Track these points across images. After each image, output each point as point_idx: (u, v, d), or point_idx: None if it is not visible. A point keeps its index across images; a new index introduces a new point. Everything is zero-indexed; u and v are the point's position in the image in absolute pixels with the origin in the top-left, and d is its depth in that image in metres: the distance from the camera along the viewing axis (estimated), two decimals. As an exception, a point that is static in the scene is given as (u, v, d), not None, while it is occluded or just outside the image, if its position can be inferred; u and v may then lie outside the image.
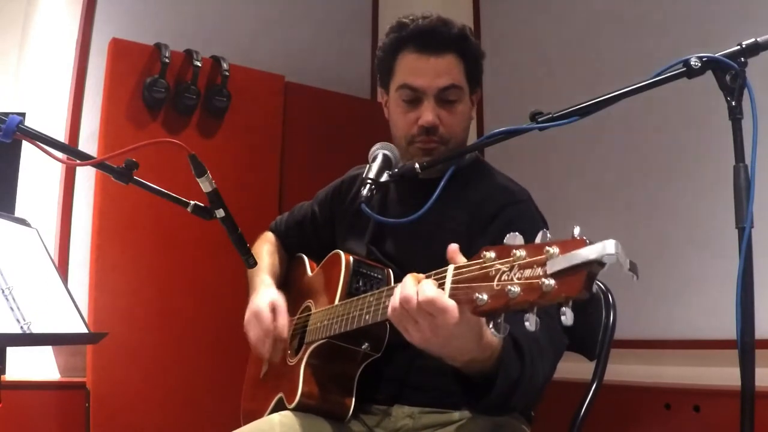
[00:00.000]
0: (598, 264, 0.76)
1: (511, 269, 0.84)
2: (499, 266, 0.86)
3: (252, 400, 1.61)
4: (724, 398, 2.08)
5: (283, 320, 1.44)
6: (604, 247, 0.75)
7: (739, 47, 1.13)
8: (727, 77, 1.12)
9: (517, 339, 1.06)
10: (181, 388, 2.58)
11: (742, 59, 1.12)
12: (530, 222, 1.36)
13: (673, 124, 2.48)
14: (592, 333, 1.46)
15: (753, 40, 1.13)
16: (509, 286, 0.82)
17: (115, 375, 2.46)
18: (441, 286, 0.95)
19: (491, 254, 0.87)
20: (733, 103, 1.11)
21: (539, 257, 0.81)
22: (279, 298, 1.48)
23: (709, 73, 1.14)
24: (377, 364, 1.35)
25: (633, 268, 0.78)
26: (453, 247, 0.99)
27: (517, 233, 0.87)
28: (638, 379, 2.41)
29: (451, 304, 0.92)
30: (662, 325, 2.39)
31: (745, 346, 1.05)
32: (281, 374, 1.46)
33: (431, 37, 1.39)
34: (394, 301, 0.99)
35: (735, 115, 1.10)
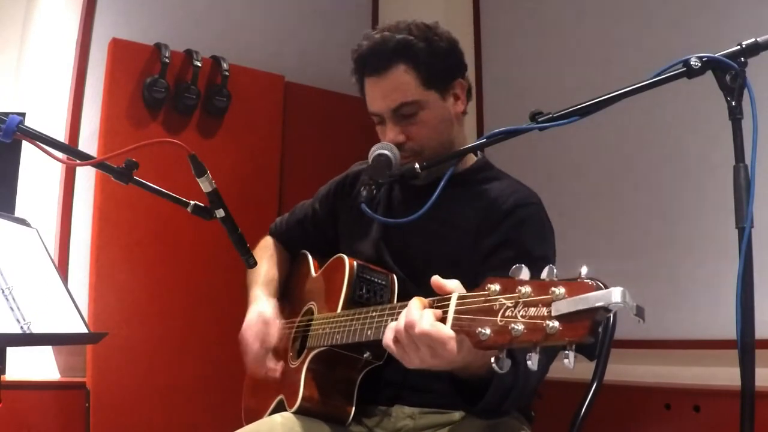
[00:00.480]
0: (604, 310, 0.76)
1: (515, 305, 0.84)
2: (503, 300, 0.85)
3: (253, 397, 1.61)
4: (724, 398, 2.08)
5: (273, 330, 1.45)
6: (611, 295, 0.75)
7: (739, 47, 1.13)
8: (727, 77, 1.12)
9: None
10: (181, 387, 2.58)
11: (742, 59, 1.12)
12: (539, 226, 1.36)
13: (673, 124, 2.47)
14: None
15: (753, 40, 1.13)
16: (513, 324, 0.82)
17: (115, 375, 2.46)
18: (445, 314, 0.95)
19: (496, 287, 0.87)
20: (733, 103, 1.11)
21: (545, 297, 0.81)
22: (268, 308, 1.49)
23: (709, 73, 1.14)
24: (378, 366, 1.35)
25: (639, 312, 0.78)
26: (435, 281, 1.01)
27: (523, 266, 0.86)
28: (638, 379, 2.40)
29: (451, 336, 0.93)
30: (662, 325, 2.38)
31: (745, 346, 1.05)
32: (283, 376, 1.46)
33: (372, 57, 1.39)
34: (399, 325, 1.00)
35: (735, 115, 1.10)
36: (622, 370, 2.36)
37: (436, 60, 1.39)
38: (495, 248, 1.31)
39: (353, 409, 1.33)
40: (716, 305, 2.18)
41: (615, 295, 0.75)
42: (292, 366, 1.44)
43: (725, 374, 2.10)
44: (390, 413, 1.36)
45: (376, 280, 1.38)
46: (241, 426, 1.39)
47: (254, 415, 1.50)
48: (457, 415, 1.33)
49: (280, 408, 1.40)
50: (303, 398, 1.31)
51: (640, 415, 2.35)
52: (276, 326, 1.46)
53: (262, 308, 1.50)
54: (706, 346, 2.26)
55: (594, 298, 0.76)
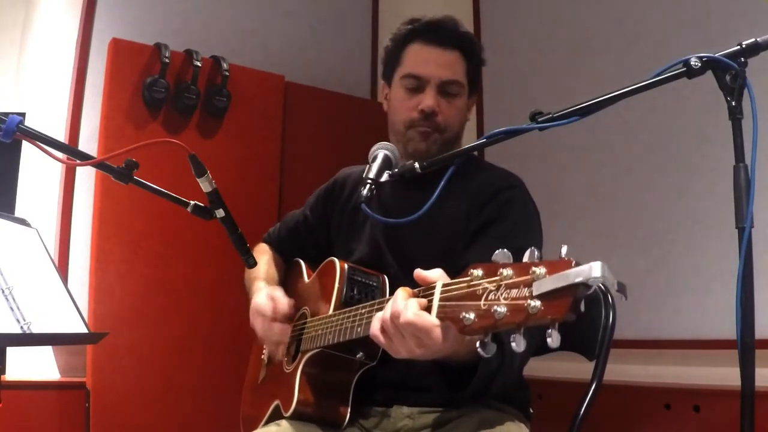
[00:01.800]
0: (584, 286, 0.75)
1: (497, 288, 0.84)
2: (486, 285, 0.85)
3: (250, 405, 1.61)
4: (724, 398, 2.08)
5: (283, 302, 1.45)
6: (591, 270, 0.75)
7: (739, 47, 1.13)
8: (727, 77, 1.12)
9: None
10: (181, 388, 2.58)
11: (742, 59, 1.12)
12: (523, 206, 1.41)
13: (673, 124, 2.47)
14: (592, 333, 1.46)
15: (753, 40, 1.13)
16: (496, 306, 0.82)
17: (115, 375, 2.46)
18: (430, 303, 0.96)
19: (479, 272, 0.87)
20: (733, 103, 1.11)
21: (525, 278, 0.80)
22: (276, 290, 1.50)
23: (709, 73, 1.14)
24: (375, 368, 1.35)
25: (621, 288, 0.78)
26: (417, 273, 1.02)
27: (505, 250, 0.86)
28: (638, 379, 2.40)
29: (435, 324, 0.94)
30: (662, 325, 2.38)
31: (745, 346, 1.05)
32: (278, 381, 1.46)
33: (441, 31, 1.46)
34: (385, 315, 1.01)
35: (735, 115, 1.10)
36: (622, 370, 2.36)
37: (479, 65, 1.53)
38: (479, 230, 1.35)
39: (348, 409, 1.33)
40: (716, 305, 2.18)
41: (594, 269, 0.74)
42: (287, 370, 1.44)
43: (725, 374, 2.10)
44: (389, 414, 1.36)
45: (367, 281, 1.39)
46: (239, 427, 1.39)
47: (252, 422, 1.50)
48: (455, 413, 1.33)
49: (276, 413, 1.40)
50: (298, 402, 1.31)
51: (640, 415, 2.35)
52: (284, 299, 1.46)
53: (270, 290, 1.50)
54: (706, 346, 2.26)
55: (574, 274, 0.75)
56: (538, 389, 2.03)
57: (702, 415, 2.16)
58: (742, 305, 1.05)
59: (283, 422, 1.34)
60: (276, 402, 1.41)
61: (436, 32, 1.46)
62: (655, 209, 2.51)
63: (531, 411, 1.44)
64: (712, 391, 2.16)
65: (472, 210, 1.39)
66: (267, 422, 1.42)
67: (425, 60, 1.45)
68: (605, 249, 2.58)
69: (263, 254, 1.70)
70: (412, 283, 1.04)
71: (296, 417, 1.33)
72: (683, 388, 2.27)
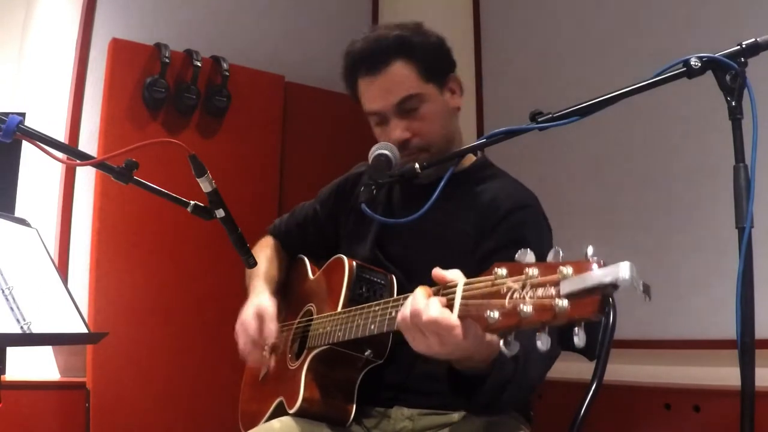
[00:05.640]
0: (612, 287, 0.75)
1: (523, 287, 0.83)
2: (510, 284, 0.85)
3: (251, 402, 1.60)
4: (724, 398, 2.08)
5: (271, 326, 1.44)
6: (619, 270, 0.75)
7: (739, 47, 1.13)
8: (727, 77, 1.12)
9: None
10: (181, 388, 2.58)
11: (742, 59, 1.12)
12: (537, 228, 1.37)
13: (673, 124, 2.47)
14: (593, 333, 1.46)
15: (753, 40, 1.13)
16: (521, 305, 0.82)
17: (115, 375, 2.46)
18: (451, 301, 0.96)
19: (503, 270, 0.87)
20: (733, 103, 1.11)
21: (552, 277, 0.80)
22: (267, 305, 1.47)
23: (709, 73, 1.14)
24: (377, 368, 1.35)
25: (646, 290, 0.78)
26: (436, 272, 1.01)
27: (528, 250, 0.86)
28: (638, 379, 2.40)
29: (457, 323, 0.93)
30: (662, 325, 2.38)
31: (745, 346, 1.05)
32: (282, 378, 1.46)
33: (370, 56, 1.38)
34: (404, 312, 1.00)
35: (735, 115, 1.10)
36: (622, 370, 2.36)
37: (431, 54, 1.40)
38: (492, 252, 1.31)
39: (354, 407, 1.33)
40: (716, 305, 2.18)
41: (623, 270, 0.74)
42: (291, 367, 1.43)
43: (725, 374, 2.10)
44: (389, 415, 1.36)
45: (375, 279, 1.38)
46: (239, 427, 1.38)
47: (253, 419, 1.49)
48: (456, 416, 1.33)
49: (279, 410, 1.39)
50: (303, 399, 1.31)
51: (640, 415, 2.35)
52: (272, 322, 1.45)
53: (260, 302, 1.48)
54: (706, 346, 2.26)
55: (602, 274, 0.76)
56: (538, 389, 2.03)
57: (702, 415, 2.16)
58: (742, 305, 1.05)
59: (286, 419, 1.34)
60: (279, 399, 1.41)
61: (368, 59, 1.38)
62: (655, 209, 2.51)
63: (532, 414, 1.43)
64: (712, 391, 2.16)
65: (483, 228, 1.36)
66: (269, 419, 1.41)
67: (371, 93, 1.39)
68: (605, 249, 2.57)
69: (267, 249, 1.68)
70: (412, 286, 1.04)
71: (301, 414, 1.33)
72: (683, 388, 2.27)
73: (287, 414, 1.35)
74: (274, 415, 1.40)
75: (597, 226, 2.66)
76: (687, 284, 2.36)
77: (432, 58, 1.40)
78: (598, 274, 0.76)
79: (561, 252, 0.83)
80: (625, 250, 2.48)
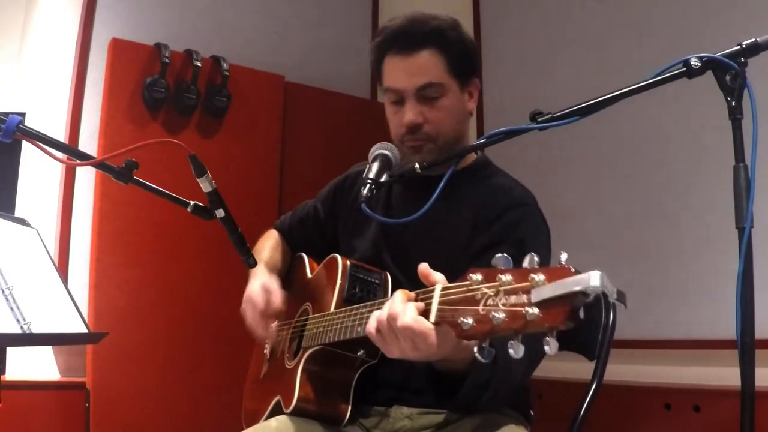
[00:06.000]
0: (582, 295, 0.75)
1: (496, 294, 0.83)
2: (485, 290, 0.85)
3: (252, 399, 1.61)
4: (724, 398, 2.08)
5: (276, 298, 1.46)
6: (589, 279, 0.74)
7: (739, 47, 1.13)
8: (727, 77, 1.12)
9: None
10: (181, 388, 2.58)
11: (742, 59, 1.12)
12: (533, 226, 1.37)
13: (673, 124, 2.47)
14: (592, 333, 1.45)
15: (753, 40, 1.13)
16: (494, 312, 0.82)
17: (115, 375, 2.46)
18: (428, 306, 0.96)
19: (478, 276, 0.87)
20: (733, 103, 1.11)
21: (524, 284, 0.80)
22: (271, 281, 1.49)
23: (709, 73, 1.14)
24: (376, 367, 1.35)
25: (621, 297, 0.78)
26: (423, 269, 1.01)
27: (505, 254, 0.86)
28: (638, 379, 2.40)
29: (431, 330, 0.94)
30: (662, 325, 2.38)
31: (745, 346, 1.05)
32: (280, 376, 1.46)
33: (405, 36, 1.39)
34: (381, 316, 1.01)
35: (735, 115, 1.10)
36: (622, 370, 2.36)
37: (462, 52, 1.42)
38: (486, 248, 1.32)
39: (349, 406, 1.33)
40: (716, 305, 2.17)
41: (593, 278, 0.74)
42: (288, 366, 1.44)
43: (725, 374, 2.10)
44: (388, 414, 1.36)
45: (369, 279, 1.38)
46: (241, 425, 1.38)
47: (253, 417, 1.50)
48: (456, 416, 1.33)
49: (277, 409, 1.40)
50: (299, 398, 1.31)
51: (640, 415, 2.35)
52: (279, 295, 1.46)
53: (264, 279, 1.50)
54: (706, 346, 2.26)
55: (572, 282, 0.75)
56: (538, 389, 2.03)
57: (702, 415, 2.16)
58: (742, 305, 1.05)
59: (283, 418, 1.34)
60: (277, 398, 1.41)
61: (403, 39, 1.39)
62: (655, 209, 2.51)
63: (532, 414, 1.43)
64: (712, 391, 2.16)
65: (479, 224, 1.37)
66: (268, 417, 1.42)
67: (397, 72, 1.40)
68: (605, 249, 2.58)
69: (271, 240, 1.70)
70: (412, 285, 1.04)
71: (297, 413, 1.33)
72: (683, 388, 2.27)
73: (284, 413, 1.35)
74: (273, 413, 1.41)
75: (597, 226, 2.66)
76: (687, 284, 2.35)
77: (462, 56, 1.42)
78: (568, 283, 0.76)
79: (536, 258, 0.82)
80: (624, 250, 2.50)
